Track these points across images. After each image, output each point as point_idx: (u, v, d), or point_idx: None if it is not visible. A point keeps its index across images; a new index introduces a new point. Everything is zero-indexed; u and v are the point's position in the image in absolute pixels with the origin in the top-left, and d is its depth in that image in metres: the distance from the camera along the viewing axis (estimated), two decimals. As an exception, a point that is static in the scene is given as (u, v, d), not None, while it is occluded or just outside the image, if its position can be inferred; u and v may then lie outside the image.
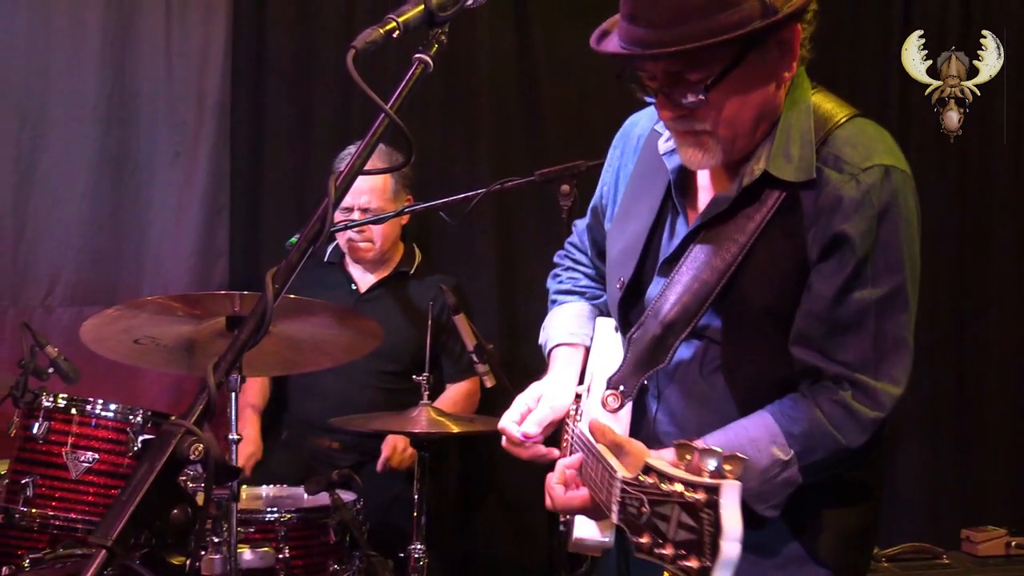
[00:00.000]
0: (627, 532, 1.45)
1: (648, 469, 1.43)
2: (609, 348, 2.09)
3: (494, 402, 3.49)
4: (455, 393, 3.95)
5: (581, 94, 4.47)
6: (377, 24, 1.54)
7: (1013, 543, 3.96)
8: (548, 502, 1.87)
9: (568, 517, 1.99)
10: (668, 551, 1.37)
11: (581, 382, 2.11)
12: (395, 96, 1.54)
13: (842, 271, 1.75)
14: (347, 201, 3.68)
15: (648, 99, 1.83)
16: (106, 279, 4.10)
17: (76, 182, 4.05)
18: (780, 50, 1.76)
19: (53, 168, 4.01)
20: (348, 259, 4.00)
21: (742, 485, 1.31)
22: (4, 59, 3.92)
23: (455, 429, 3.22)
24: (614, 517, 1.50)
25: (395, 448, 3.72)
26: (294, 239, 3.48)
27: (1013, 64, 4.60)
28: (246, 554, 2.92)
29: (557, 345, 2.17)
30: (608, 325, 2.13)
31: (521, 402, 2.05)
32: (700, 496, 1.33)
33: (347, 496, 3.20)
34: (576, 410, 2.05)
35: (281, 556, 3.01)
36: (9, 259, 3.96)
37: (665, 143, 1.95)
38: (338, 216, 3.71)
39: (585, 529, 1.92)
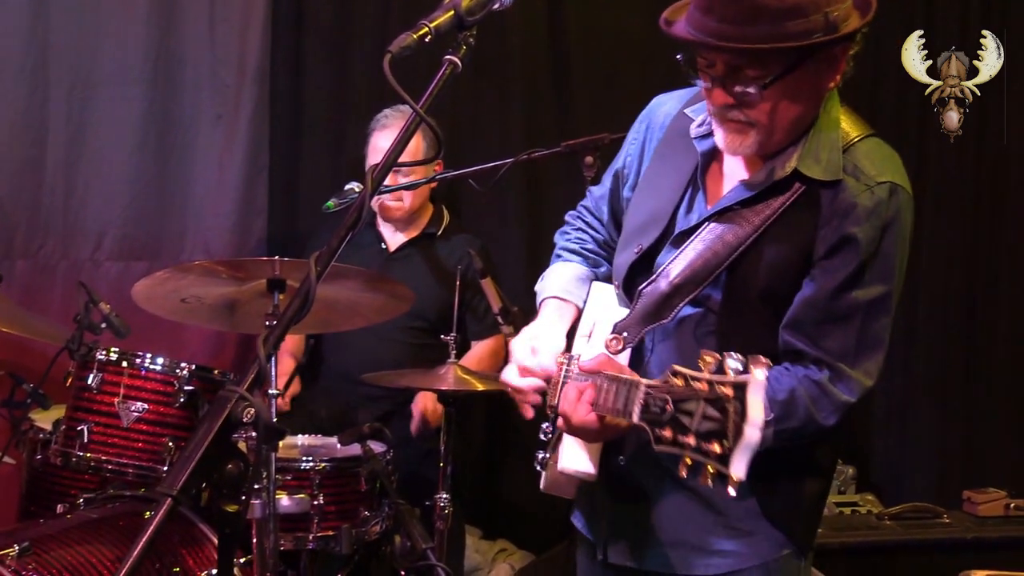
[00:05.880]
0: (648, 429, 1.64)
1: (675, 373, 1.62)
2: (609, 304, 2.21)
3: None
4: (480, 351, 4.06)
5: (610, 68, 4.53)
6: (411, 30, 1.70)
7: (1012, 504, 4.02)
8: (561, 422, 2.01)
9: (547, 455, 2.15)
10: (690, 440, 1.55)
11: (570, 335, 2.24)
12: (426, 96, 1.69)
13: (844, 269, 1.93)
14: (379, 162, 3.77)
15: (698, 82, 1.99)
16: (151, 234, 4.19)
17: (123, 141, 4.12)
18: (828, 63, 1.94)
19: (101, 127, 4.09)
20: (379, 218, 4.10)
21: None
22: (56, 23, 3.99)
23: (480, 387, 3.35)
24: (635, 418, 1.69)
25: (426, 408, 3.85)
26: (330, 203, 3.64)
27: (1013, 64, 4.58)
28: (283, 500, 3.01)
29: (551, 297, 2.30)
30: (608, 288, 2.25)
31: (519, 347, 2.18)
32: (728, 390, 1.51)
33: (378, 447, 3.30)
34: (569, 360, 2.14)
35: (315, 502, 3.13)
36: (60, 215, 4.06)
37: (697, 128, 2.10)
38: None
39: (572, 459, 2.06)
